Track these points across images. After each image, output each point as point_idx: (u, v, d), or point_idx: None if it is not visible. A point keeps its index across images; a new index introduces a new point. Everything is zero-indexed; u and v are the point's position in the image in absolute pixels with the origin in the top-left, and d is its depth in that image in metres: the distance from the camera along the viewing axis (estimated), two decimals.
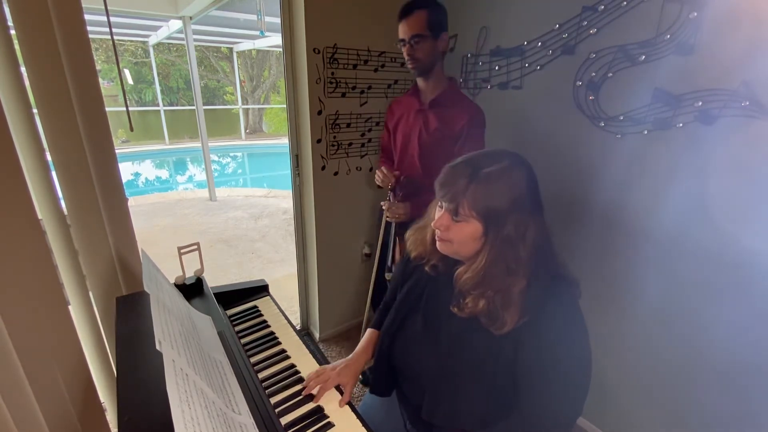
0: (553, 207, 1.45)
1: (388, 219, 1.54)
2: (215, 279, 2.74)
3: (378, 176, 1.51)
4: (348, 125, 1.82)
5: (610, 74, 1.26)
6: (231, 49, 8.90)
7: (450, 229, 0.73)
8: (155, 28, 5.36)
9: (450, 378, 0.77)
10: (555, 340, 0.69)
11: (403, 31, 1.34)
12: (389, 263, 1.64)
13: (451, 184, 0.71)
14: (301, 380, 0.88)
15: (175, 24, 4.38)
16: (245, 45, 7.53)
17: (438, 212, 0.76)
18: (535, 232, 0.70)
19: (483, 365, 0.74)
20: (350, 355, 0.95)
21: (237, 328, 1.04)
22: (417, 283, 0.89)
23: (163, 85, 12.03)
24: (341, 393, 0.85)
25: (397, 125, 1.56)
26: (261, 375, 0.89)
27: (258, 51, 11.15)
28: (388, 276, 1.66)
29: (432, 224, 0.77)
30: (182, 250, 1.02)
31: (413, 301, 0.88)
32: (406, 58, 1.37)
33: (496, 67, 1.63)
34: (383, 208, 1.54)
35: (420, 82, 1.45)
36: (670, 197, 1.20)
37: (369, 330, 1.02)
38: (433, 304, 0.85)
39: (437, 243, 0.78)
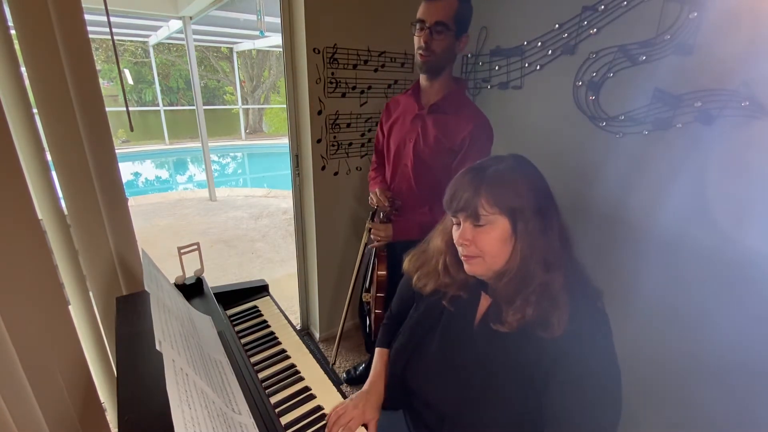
0: None
1: (370, 245, 1.43)
2: (215, 279, 2.74)
3: (371, 198, 1.39)
4: (348, 125, 1.81)
5: (611, 74, 1.27)
6: (231, 49, 8.89)
7: (476, 241, 0.69)
8: (155, 28, 5.35)
9: (473, 407, 0.73)
10: (587, 373, 0.65)
11: (425, 12, 1.14)
12: (367, 284, 1.55)
13: (461, 195, 0.69)
14: (300, 380, 0.88)
15: (175, 24, 4.38)
16: (245, 45, 7.52)
17: (456, 231, 0.73)
18: (560, 220, 0.69)
19: (509, 393, 0.71)
20: (366, 385, 0.88)
21: (237, 328, 1.04)
22: (432, 307, 0.84)
23: (163, 85, 12.03)
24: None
25: (391, 128, 1.38)
26: (261, 375, 0.89)
27: (258, 51, 11.15)
28: (365, 297, 1.56)
29: (456, 241, 0.73)
30: (182, 250, 1.02)
31: (429, 325, 0.84)
32: (421, 45, 1.15)
33: (496, 67, 1.63)
34: (369, 227, 1.42)
35: (423, 80, 1.26)
36: (670, 197, 1.20)
37: (378, 350, 0.96)
38: (453, 328, 0.81)
39: (465, 265, 0.73)
